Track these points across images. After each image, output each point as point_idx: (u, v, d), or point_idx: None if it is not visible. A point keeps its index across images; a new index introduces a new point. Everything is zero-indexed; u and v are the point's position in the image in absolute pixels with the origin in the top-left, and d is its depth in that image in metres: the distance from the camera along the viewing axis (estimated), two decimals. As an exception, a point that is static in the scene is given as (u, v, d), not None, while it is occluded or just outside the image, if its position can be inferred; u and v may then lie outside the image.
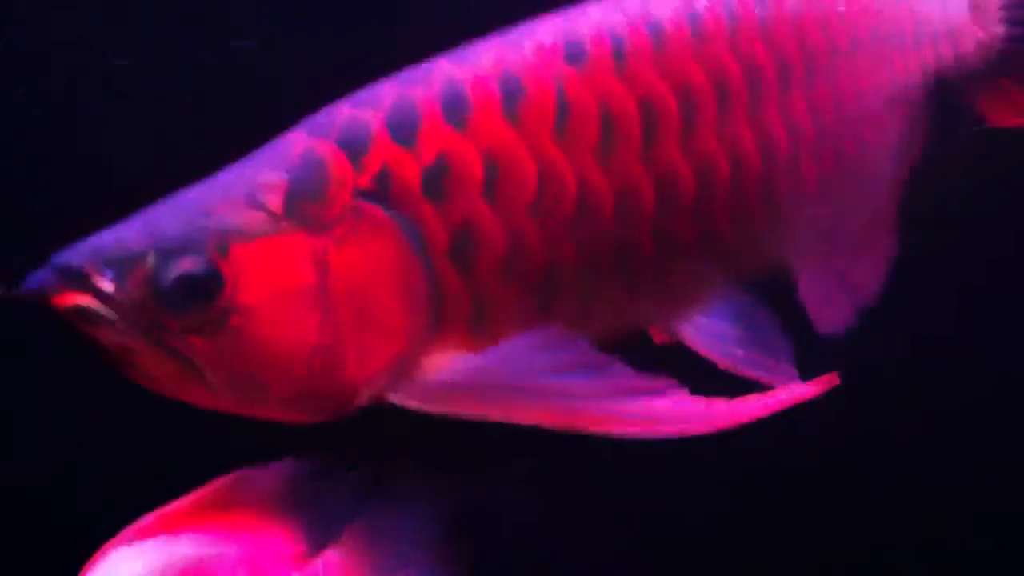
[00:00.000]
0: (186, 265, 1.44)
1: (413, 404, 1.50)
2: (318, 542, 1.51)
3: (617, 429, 1.47)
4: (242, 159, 1.53)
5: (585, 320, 1.58)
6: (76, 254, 1.44)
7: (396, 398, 1.51)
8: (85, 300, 1.42)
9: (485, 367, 1.50)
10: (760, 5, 1.66)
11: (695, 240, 1.62)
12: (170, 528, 1.47)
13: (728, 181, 1.63)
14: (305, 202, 1.48)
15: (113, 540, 1.46)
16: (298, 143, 1.51)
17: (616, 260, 1.59)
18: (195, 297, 1.44)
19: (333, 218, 1.48)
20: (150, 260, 1.44)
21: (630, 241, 1.59)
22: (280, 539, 1.50)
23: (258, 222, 1.47)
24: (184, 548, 1.45)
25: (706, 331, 1.65)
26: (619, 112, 1.57)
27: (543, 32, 1.58)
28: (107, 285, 1.43)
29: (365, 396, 1.50)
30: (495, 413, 1.47)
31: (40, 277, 1.42)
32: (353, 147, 1.51)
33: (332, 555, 1.50)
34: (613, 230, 1.58)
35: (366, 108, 1.53)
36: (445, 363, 1.51)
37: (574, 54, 1.57)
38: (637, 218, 1.59)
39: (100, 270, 1.43)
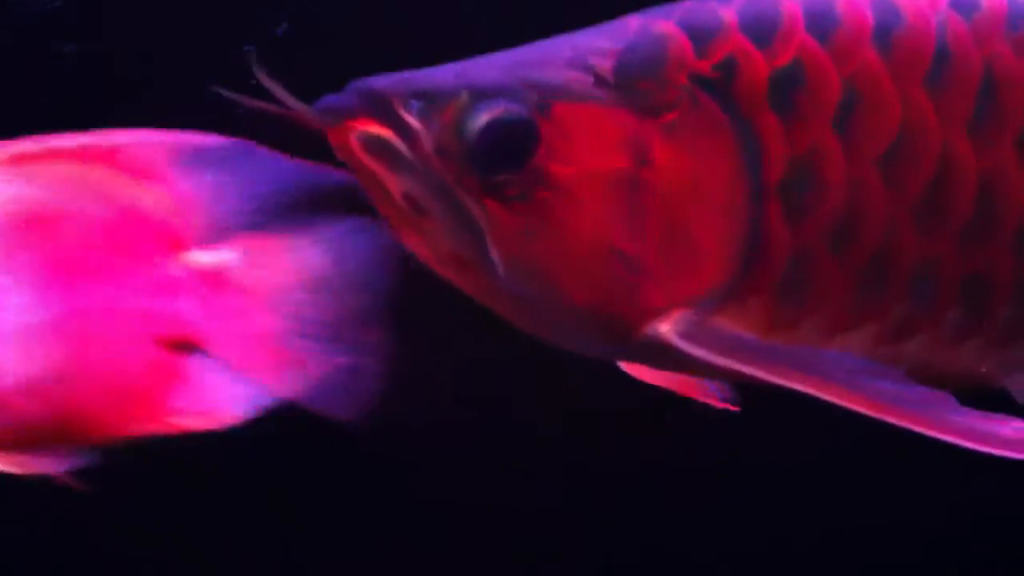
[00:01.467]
0: (502, 111, 1.23)
1: (699, 353, 1.26)
2: (208, 237, 1.36)
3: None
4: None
5: (900, 342, 1.31)
6: (382, 81, 1.26)
7: (681, 342, 1.26)
8: (385, 131, 1.24)
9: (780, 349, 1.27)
10: None
11: None
12: (38, 162, 1.32)
13: None
14: (637, 75, 1.26)
15: None
16: (634, 21, 1.30)
17: (963, 270, 1.31)
18: (506, 151, 1.23)
19: (666, 102, 1.26)
20: (463, 98, 1.24)
21: (986, 248, 1.31)
22: (164, 219, 1.35)
23: (585, 85, 1.25)
24: (41, 191, 1.31)
25: None
26: (1005, 80, 1.31)
27: None
28: (413, 119, 1.24)
29: (654, 330, 1.27)
30: (791, 382, 1.23)
31: (339, 99, 1.24)
32: (698, 31, 1.28)
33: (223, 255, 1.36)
34: (968, 226, 1.31)
35: (718, 1, 1.32)
36: (735, 326, 1.29)
37: (963, 3, 1.32)
38: (999, 220, 1.31)
39: (407, 102, 1.24)
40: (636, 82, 1.26)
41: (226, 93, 1.24)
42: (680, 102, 1.26)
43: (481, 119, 1.24)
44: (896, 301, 1.29)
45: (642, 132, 1.25)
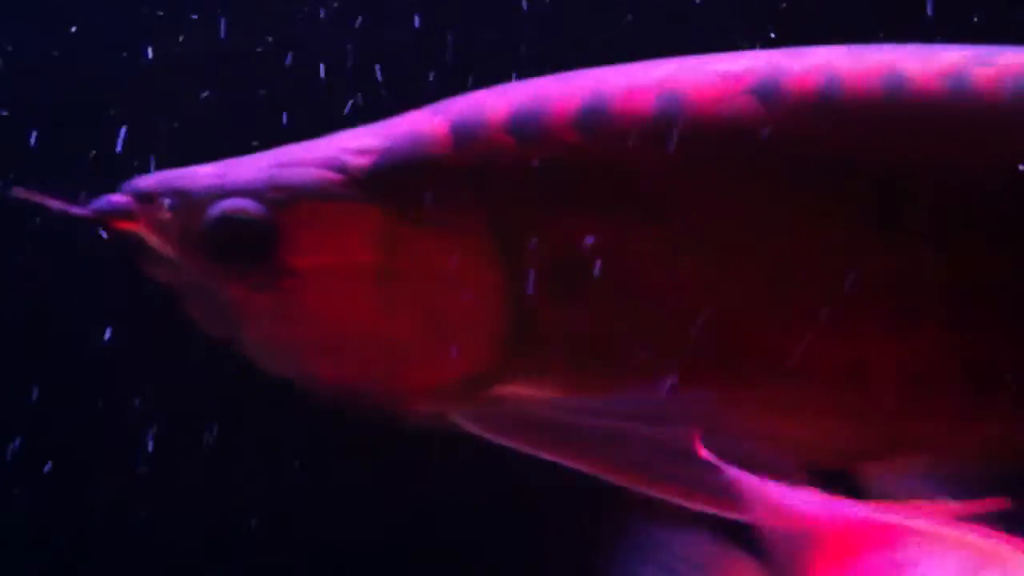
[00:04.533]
0: (237, 209, 1.33)
1: (475, 430, 1.32)
2: None
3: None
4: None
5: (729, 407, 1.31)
6: (147, 181, 1.37)
7: (457, 417, 1.33)
8: (144, 229, 1.35)
9: (565, 413, 1.31)
10: None
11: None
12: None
13: None
14: (391, 173, 1.33)
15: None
16: (410, 117, 1.37)
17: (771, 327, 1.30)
18: (241, 245, 1.33)
19: (419, 197, 1.32)
20: (208, 197, 1.34)
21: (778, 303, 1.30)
22: None
23: (333, 183, 1.33)
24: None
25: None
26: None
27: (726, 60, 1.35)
28: (167, 216, 1.34)
29: (424, 405, 1.34)
30: (563, 458, 1.29)
31: (109, 199, 1.35)
32: (462, 127, 1.33)
33: None
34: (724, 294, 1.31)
35: (494, 96, 1.36)
36: (523, 396, 1.33)
37: (762, 90, 1.32)
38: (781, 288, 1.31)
39: (164, 200, 1.34)
40: (390, 180, 1.33)
41: (17, 191, 1.35)
42: (434, 197, 1.32)
43: (217, 216, 1.33)
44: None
45: (393, 227, 1.32)
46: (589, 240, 1.29)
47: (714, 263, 1.29)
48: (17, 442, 1.97)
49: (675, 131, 1.30)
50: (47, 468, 2.01)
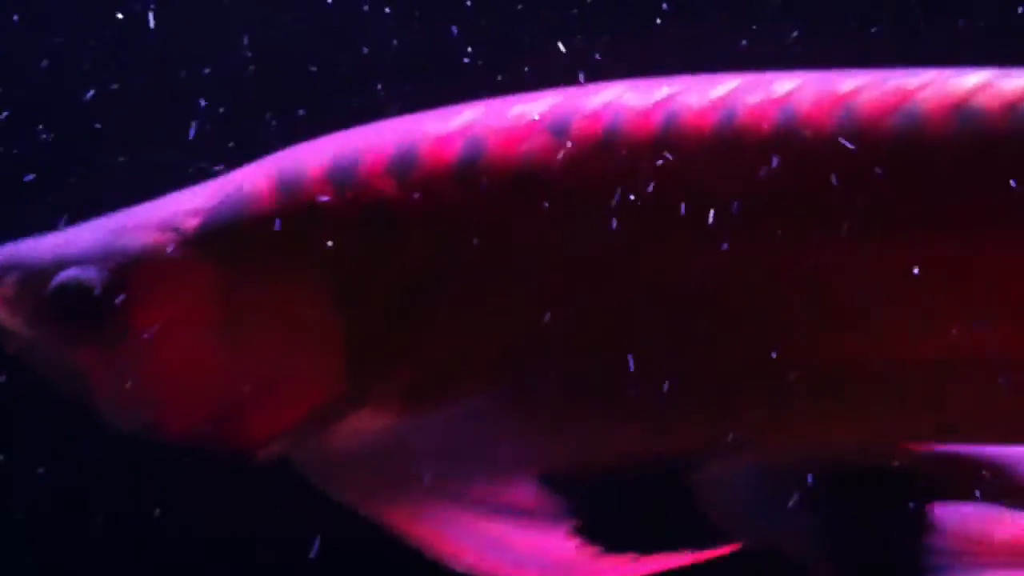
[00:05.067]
0: (81, 277, 1.40)
1: (314, 475, 1.40)
2: None
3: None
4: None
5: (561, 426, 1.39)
6: None
7: (297, 462, 1.41)
8: None
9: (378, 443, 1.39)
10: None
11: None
12: None
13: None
14: (219, 232, 1.40)
15: None
16: (239, 174, 1.45)
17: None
18: (88, 312, 1.40)
19: (248, 252, 1.40)
20: (51, 267, 1.41)
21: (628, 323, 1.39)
22: None
23: (168, 245, 1.40)
24: None
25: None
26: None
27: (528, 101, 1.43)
28: (9, 289, 1.42)
29: (274, 449, 1.41)
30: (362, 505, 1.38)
31: None
32: (287, 182, 1.41)
33: None
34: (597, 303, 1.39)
35: (315, 149, 1.44)
36: (366, 427, 1.40)
37: (556, 127, 1.40)
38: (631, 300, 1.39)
39: (6, 273, 1.42)
40: (220, 238, 1.39)
41: None
42: (263, 250, 1.39)
43: (58, 286, 1.39)
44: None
45: (227, 282, 1.38)
46: (412, 277, 1.37)
47: (525, 294, 1.37)
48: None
49: (479, 174, 1.38)
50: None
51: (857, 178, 1.33)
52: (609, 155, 1.36)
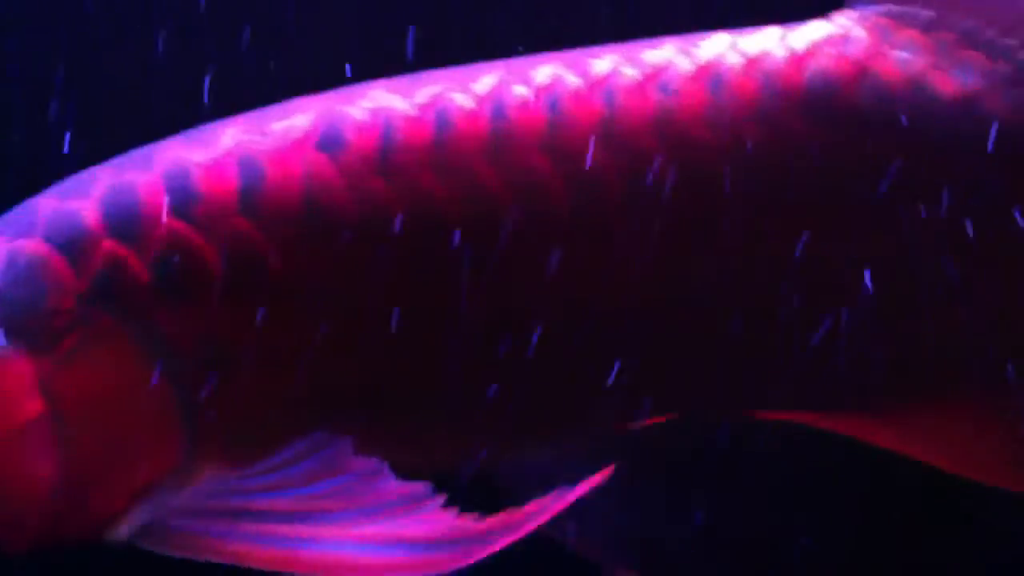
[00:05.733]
0: None
1: (161, 550, 1.32)
2: None
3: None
4: None
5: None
6: None
7: (141, 542, 1.33)
8: None
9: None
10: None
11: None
12: None
13: None
14: (24, 316, 1.30)
15: None
16: (24, 249, 1.32)
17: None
18: None
19: (57, 332, 1.29)
20: None
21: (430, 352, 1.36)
22: None
23: None
24: None
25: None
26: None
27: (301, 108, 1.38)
28: None
29: (121, 531, 1.33)
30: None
31: None
32: (69, 247, 1.31)
33: None
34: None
35: (73, 197, 1.33)
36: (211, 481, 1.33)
37: (328, 143, 1.35)
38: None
39: None
40: (25, 323, 1.28)
41: None
42: (72, 326, 1.28)
43: None
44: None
45: (41, 369, 1.27)
46: (221, 324, 1.30)
47: (336, 329, 1.32)
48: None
49: (257, 200, 1.32)
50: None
51: (623, 169, 1.32)
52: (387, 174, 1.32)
